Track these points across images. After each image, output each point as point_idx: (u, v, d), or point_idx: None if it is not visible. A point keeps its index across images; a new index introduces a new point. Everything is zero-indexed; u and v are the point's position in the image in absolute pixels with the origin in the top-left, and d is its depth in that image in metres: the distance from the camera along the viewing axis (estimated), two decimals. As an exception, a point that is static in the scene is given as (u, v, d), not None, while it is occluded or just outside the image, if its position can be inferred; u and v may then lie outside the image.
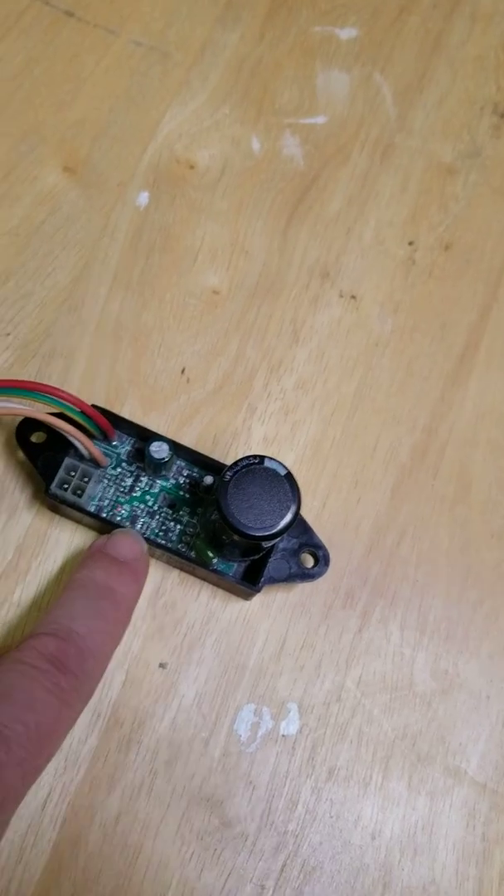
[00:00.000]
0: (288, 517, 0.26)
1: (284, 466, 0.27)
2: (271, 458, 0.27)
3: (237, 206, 0.37)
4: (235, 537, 0.28)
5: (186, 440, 0.32)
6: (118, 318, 0.34)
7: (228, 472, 0.27)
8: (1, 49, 0.38)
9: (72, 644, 0.24)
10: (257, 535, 0.26)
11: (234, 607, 0.31)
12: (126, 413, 0.32)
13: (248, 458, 0.27)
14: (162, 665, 0.30)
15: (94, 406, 0.29)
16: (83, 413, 0.29)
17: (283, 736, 0.29)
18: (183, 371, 0.34)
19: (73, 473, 0.30)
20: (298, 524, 0.30)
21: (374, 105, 0.40)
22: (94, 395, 0.33)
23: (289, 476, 0.27)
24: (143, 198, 0.37)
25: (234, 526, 0.26)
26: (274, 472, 0.27)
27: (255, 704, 0.30)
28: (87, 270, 0.35)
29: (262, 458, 0.27)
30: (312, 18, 0.42)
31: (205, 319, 0.35)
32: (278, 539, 0.29)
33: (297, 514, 0.27)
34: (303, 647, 0.31)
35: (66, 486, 0.29)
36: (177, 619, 0.31)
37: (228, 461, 0.30)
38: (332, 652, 0.31)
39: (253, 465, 0.27)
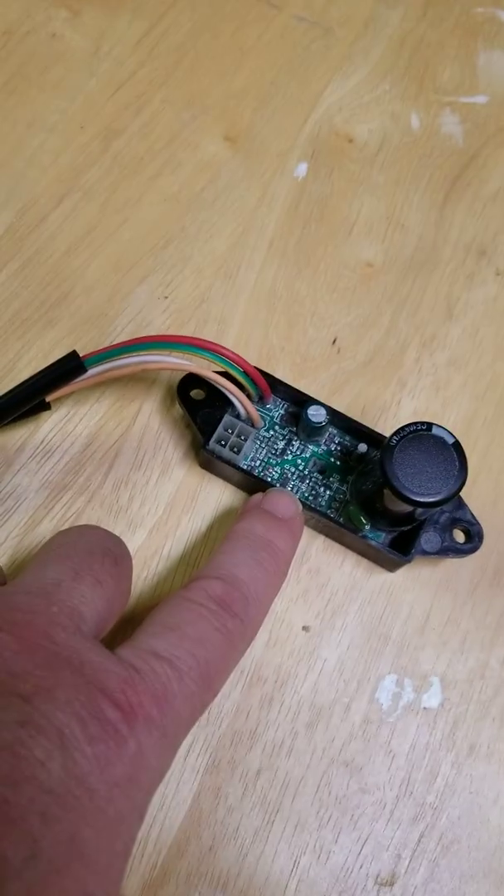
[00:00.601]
0: (454, 486, 0.26)
1: (452, 435, 0.27)
2: (439, 426, 0.27)
3: (394, 180, 0.37)
4: (393, 505, 0.28)
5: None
6: (272, 286, 0.35)
7: (395, 437, 0.27)
8: (167, 20, 0.39)
9: (236, 589, 0.25)
10: (422, 500, 0.26)
11: (378, 578, 0.31)
12: (278, 379, 0.32)
13: (414, 423, 0.27)
14: (305, 628, 0.30)
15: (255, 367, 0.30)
16: (245, 373, 0.29)
17: (424, 709, 0.29)
18: (334, 341, 0.34)
19: (230, 431, 0.30)
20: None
21: (535, 86, 0.39)
22: (247, 359, 0.33)
23: (457, 445, 0.27)
24: (302, 169, 0.37)
25: (398, 490, 0.26)
26: (441, 440, 0.27)
27: (398, 675, 0.30)
28: (243, 238, 0.35)
29: (429, 424, 0.27)
30: (474, -1, 0.41)
31: (358, 291, 0.35)
32: (438, 509, 0.29)
33: (463, 484, 0.26)
34: (447, 623, 0.30)
35: (223, 442, 0.30)
36: (321, 585, 0.31)
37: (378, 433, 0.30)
38: (478, 629, 0.30)
39: (420, 431, 0.27)
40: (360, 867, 0.28)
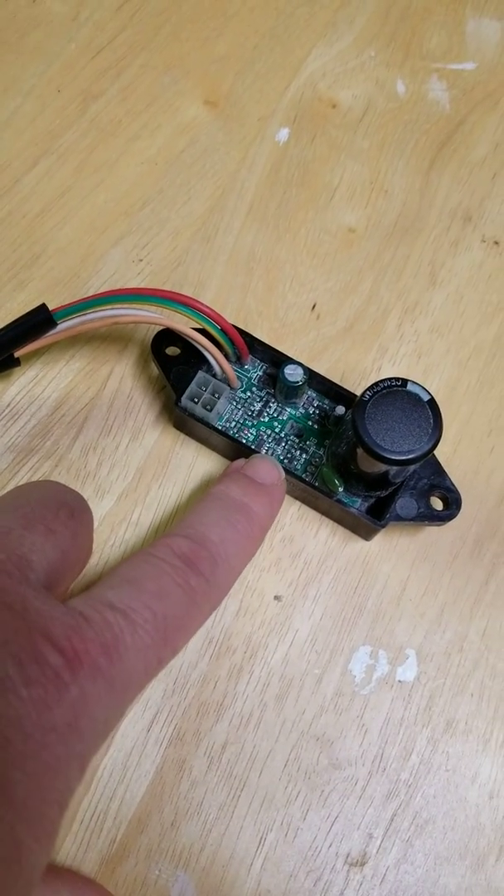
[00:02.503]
0: (428, 444, 0.25)
1: (428, 392, 0.25)
2: (414, 382, 0.26)
3: (379, 145, 0.36)
4: (366, 466, 0.26)
5: (314, 375, 0.31)
6: (251, 250, 0.34)
7: (368, 392, 0.25)
8: (150, -15, 0.38)
9: (204, 549, 0.23)
10: (394, 458, 0.25)
11: (353, 547, 0.30)
12: (255, 343, 0.31)
13: (389, 379, 0.26)
14: (277, 598, 0.29)
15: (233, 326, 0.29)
16: (222, 330, 0.28)
17: (399, 682, 0.28)
18: (314, 307, 0.33)
19: (204, 388, 0.29)
20: (431, 464, 0.29)
21: (525, 55, 0.38)
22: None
23: (432, 402, 0.25)
24: (283, 134, 0.36)
25: (369, 447, 0.25)
26: (416, 397, 0.25)
27: (372, 647, 0.28)
28: (222, 201, 0.34)
29: (404, 381, 0.26)
30: (463, -32, 0.40)
31: (339, 257, 0.34)
32: (411, 469, 0.28)
33: (437, 442, 0.25)
34: (425, 594, 0.29)
35: (196, 399, 0.29)
36: (294, 554, 0.29)
37: (359, 396, 0.29)
38: (456, 601, 0.29)
39: (394, 388, 0.26)
40: (330, 846, 0.26)
